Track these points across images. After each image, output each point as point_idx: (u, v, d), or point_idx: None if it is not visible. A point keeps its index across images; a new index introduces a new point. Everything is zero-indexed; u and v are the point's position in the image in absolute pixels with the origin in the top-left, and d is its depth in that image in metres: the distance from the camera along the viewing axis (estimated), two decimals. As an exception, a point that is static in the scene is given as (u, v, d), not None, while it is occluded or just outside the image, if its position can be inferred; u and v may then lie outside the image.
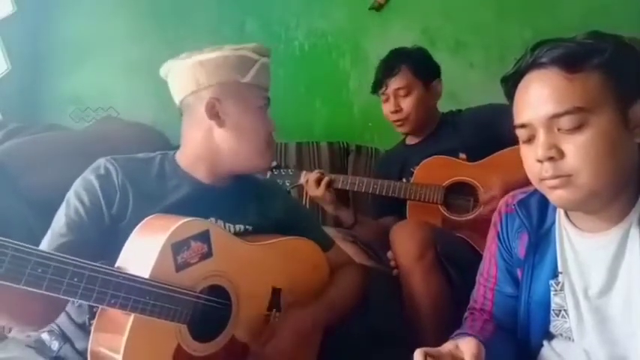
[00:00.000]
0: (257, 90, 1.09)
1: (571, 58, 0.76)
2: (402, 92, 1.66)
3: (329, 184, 1.61)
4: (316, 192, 1.61)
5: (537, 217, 0.92)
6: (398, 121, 1.70)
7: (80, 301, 0.78)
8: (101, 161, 1.02)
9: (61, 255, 0.76)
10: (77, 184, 1.00)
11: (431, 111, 1.72)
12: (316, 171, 1.66)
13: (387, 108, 1.71)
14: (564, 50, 0.76)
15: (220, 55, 1.04)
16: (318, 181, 1.61)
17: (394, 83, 1.67)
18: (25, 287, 0.71)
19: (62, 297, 0.75)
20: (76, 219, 0.95)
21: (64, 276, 0.74)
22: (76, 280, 0.75)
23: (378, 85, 1.72)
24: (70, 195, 0.99)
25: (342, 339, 1.24)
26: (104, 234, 0.96)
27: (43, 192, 1.24)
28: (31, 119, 2.10)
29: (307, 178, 1.63)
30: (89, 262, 0.78)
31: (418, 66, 1.67)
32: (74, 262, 0.76)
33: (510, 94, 0.85)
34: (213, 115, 1.04)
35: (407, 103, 1.66)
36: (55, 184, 1.08)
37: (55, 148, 1.46)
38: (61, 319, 0.99)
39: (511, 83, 0.84)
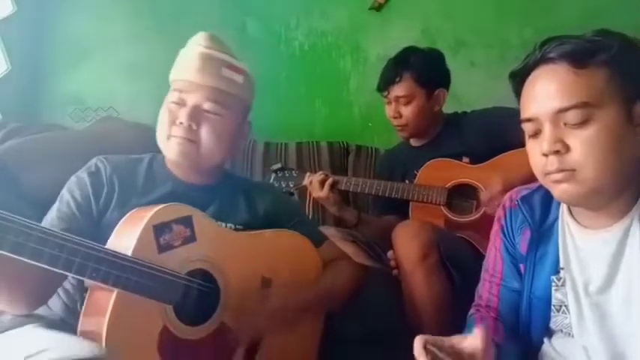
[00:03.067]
0: (173, 83, 1.09)
1: (579, 54, 0.76)
2: (403, 100, 1.66)
3: (333, 186, 1.61)
4: (320, 193, 1.61)
5: (540, 213, 0.92)
6: (398, 126, 1.71)
7: (62, 272, 0.80)
8: (93, 160, 1.08)
9: (44, 227, 0.79)
10: (70, 182, 1.06)
11: (433, 117, 1.71)
12: (320, 172, 1.66)
13: (389, 111, 1.72)
14: (572, 46, 0.77)
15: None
16: (322, 183, 1.62)
17: (396, 90, 1.66)
18: (7, 254, 0.74)
19: (44, 266, 0.78)
20: (67, 211, 1.00)
21: (45, 245, 0.77)
22: (57, 250, 0.78)
23: (380, 89, 1.72)
24: (64, 191, 1.04)
25: (342, 339, 1.24)
26: (92, 227, 1.00)
27: (43, 191, 1.23)
28: (31, 119, 2.11)
29: (311, 179, 1.63)
30: (70, 236, 0.81)
31: (422, 74, 1.64)
32: (55, 233, 0.79)
33: (517, 90, 0.85)
34: None
35: (407, 111, 1.66)
36: (55, 184, 1.09)
37: (55, 148, 1.46)
38: (59, 308, 1.04)
39: (519, 79, 0.85)
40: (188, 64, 1.04)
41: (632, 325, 0.79)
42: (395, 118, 1.69)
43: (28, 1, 2.10)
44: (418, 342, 0.74)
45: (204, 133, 1.04)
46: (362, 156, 2.24)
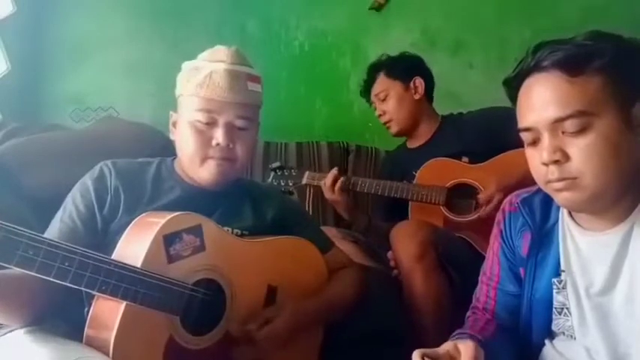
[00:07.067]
0: (197, 101, 1.03)
1: (572, 62, 0.76)
2: (381, 96, 1.74)
3: (343, 187, 1.59)
4: (332, 196, 1.60)
5: (540, 216, 0.92)
6: (385, 124, 1.76)
7: (71, 285, 0.80)
8: (99, 165, 1.06)
9: (53, 240, 0.78)
10: (75, 189, 1.04)
11: (416, 107, 1.73)
12: (333, 172, 1.63)
13: (376, 114, 1.79)
14: (565, 53, 0.76)
15: (185, 66, 1.08)
16: (334, 184, 1.59)
17: (373, 90, 1.76)
18: (17, 268, 0.74)
19: (54, 280, 0.77)
20: (69, 223, 0.99)
21: (55, 260, 0.77)
22: (67, 264, 0.78)
23: (363, 95, 1.82)
24: (68, 199, 1.03)
25: (343, 339, 1.24)
26: (96, 238, 0.98)
27: (43, 192, 1.24)
28: (31, 119, 2.10)
29: (324, 181, 1.61)
30: (80, 248, 0.80)
31: (392, 67, 1.74)
32: (65, 246, 0.78)
33: (512, 96, 0.85)
34: (173, 123, 1.10)
35: (388, 106, 1.73)
36: (55, 184, 1.09)
37: (55, 148, 1.46)
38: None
39: (513, 85, 0.84)
40: (214, 82, 1.01)
41: (635, 325, 0.79)
42: (380, 116, 1.76)
43: (28, 1, 2.10)
44: (417, 356, 0.74)
45: (240, 150, 1.05)
46: (362, 156, 2.24)
